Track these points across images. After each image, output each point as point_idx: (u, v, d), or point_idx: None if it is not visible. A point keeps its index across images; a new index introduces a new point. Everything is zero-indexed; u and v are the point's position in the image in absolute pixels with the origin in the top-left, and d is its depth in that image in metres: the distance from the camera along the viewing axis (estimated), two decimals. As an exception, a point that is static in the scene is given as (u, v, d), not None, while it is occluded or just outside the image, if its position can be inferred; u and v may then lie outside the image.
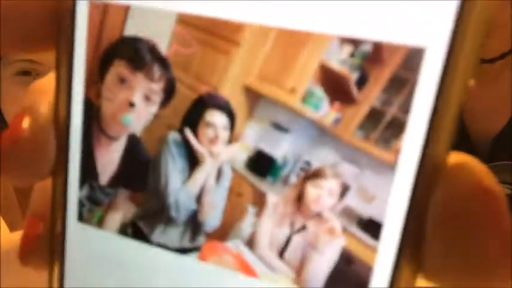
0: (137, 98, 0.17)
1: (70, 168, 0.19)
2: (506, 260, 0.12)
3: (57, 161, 0.19)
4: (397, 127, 0.13)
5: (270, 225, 0.16)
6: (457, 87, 0.13)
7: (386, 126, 0.13)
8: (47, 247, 0.19)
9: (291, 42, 0.14)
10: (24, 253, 0.19)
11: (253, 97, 0.15)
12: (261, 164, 0.16)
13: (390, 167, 0.14)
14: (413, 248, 0.14)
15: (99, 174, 0.18)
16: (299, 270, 0.16)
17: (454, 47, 0.12)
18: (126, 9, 0.17)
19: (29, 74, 1.09)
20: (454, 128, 0.13)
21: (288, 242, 0.16)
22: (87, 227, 0.19)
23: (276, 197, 0.16)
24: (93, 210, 0.19)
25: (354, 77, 0.14)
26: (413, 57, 0.12)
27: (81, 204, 0.19)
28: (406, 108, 0.13)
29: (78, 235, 0.19)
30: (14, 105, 1.09)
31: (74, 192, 0.19)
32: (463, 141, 0.85)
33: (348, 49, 0.13)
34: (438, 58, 0.12)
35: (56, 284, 0.19)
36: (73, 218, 0.19)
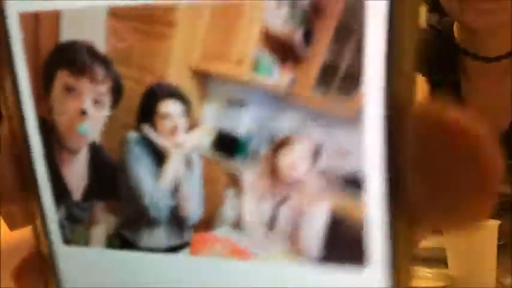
0: (88, 105, 0.16)
1: (41, 191, 0.18)
2: (483, 192, 0.12)
3: (26, 185, 0.18)
4: (353, 77, 0.12)
5: (253, 203, 0.15)
6: (408, 22, 0.12)
7: (342, 79, 0.13)
8: (39, 270, 0.19)
9: (227, 13, 0.13)
10: (17, 275, 0.19)
11: (203, 77, 0.14)
12: (227, 144, 0.15)
13: (356, 119, 0.13)
14: (399, 195, 0.13)
15: (71, 191, 0.18)
16: (293, 240, 0.15)
17: None
18: (57, 14, 0.16)
19: None
20: (414, 66, 0.12)
21: (274, 215, 0.15)
22: (73, 247, 0.18)
23: (250, 174, 0.15)
24: (76, 229, 0.18)
25: (298, 34, 0.13)
26: (355, 3, 0.12)
27: (62, 226, 0.18)
28: (358, 56, 0.12)
29: (67, 257, 0.19)
30: None
31: (52, 215, 0.18)
32: None
33: (285, 8, 0.13)
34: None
35: None
36: (58, 242, 0.19)
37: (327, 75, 0.13)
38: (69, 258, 0.19)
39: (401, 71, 0.12)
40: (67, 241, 0.18)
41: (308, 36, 0.13)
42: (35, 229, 0.19)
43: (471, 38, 0.70)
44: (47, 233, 0.18)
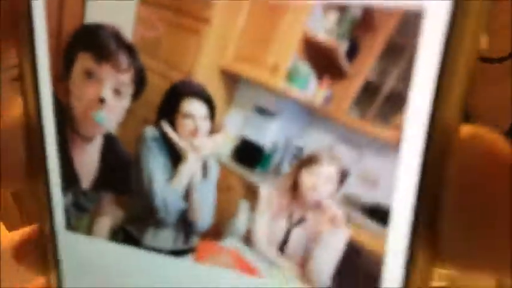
0: (107, 92, 0.15)
1: (50, 174, 0.17)
2: None
3: (35, 167, 0.17)
4: (396, 100, 0.11)
5: (266, 220, 0.14)
6: (466, 48, 0.11)
7: (384, 101, 0.12)
8: (39, 253, 0.18)
9: (268, 13, 0.12)
10: (18, 255, 0.19)
11: (232, 80, 0.13)
12: (248, 154, 0.14)
13: (393, 146, 0.12)
14: (427, 232, 0.12)
15: (80, 179, 0.17)
16: (303, 265, 0.14)
17: (458, 4, 0.10)
18: None
19: None
20: (464, 95, 0.11)
21: (287, 235, 0.14)
22: (76, 234, 0.18)
23: (268, 188, 0.14)
24: (80, 217, 0.17)
25: (343, 47, 0.12)
26: (410, 21, 0.10)
27: (67, 212, 0.17)
28: (405, 78, 0.11)
29: (68, 242, 0.18)
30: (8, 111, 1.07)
31: (58, 199, 0.17)
32: None
33: (333, 16, 0.11)
34: (440, 19, 0.10)
35: None
36: (61, 226, 0.18)
37: (368, 95, 0.12)
38: (71, 245, 0.18)
39: (450, 99, 0.11)
40: (70, 227, 0.17)
41: (353, 50, 0.11)
42: (39, 211, 0.18)
43: None
44: (51, 217, 0.18)
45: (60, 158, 0.17)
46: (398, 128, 0.12)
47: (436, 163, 0.12)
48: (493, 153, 0.11)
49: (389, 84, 0.11)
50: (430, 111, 0.11)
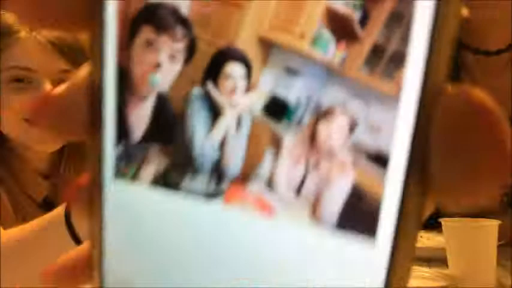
0: (163, 59, 0.19)
1: (105, 128, 0.21)
2: (499, 170, 0.13)
3: (94, 121, 0.20)
4: (398, 60, 0.14)
5: (287, 166, 0.17)
6: (451, 18, 0.14)
7: (388, 60, 0.15)
8: (87, 199, 0.21)
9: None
10: (70, 198, 0.22)
11: (267, 46, 0.17)
12: (277, 109, 0.17)
13: (394, 98, 0.15)
14: (419, 173, 0.15)
15: (132, 132, 0.20)
16: (314, 206, 0.17)
17: None
18: None
19: (22, 81, 1.14)
20: (450, 57, 0.14)
21: (303, 180, 0.17)
22: (122, 182, 0.21)
23: (291, 138, 0.17)
24: (128, 166, 0.21)
25: (357, 16, 0.15)
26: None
27: (118, 160, 0.20)
28: (405, 41, 0.14)
29: (116, 191, 0.21)
30: (7, 111, 1.15)
31: (110, 150, 0.21)
32: None
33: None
34: None
35: (97, 235, 0.21)
36: (111, 176, 0.21)
37: (375, 56, 0.15)
38: (118, 193, 0.21)
39: (439, 58, 0.14)
40: (119, 175, 0.21)
41: (364, 19, 0.15)
42: (91, 162, 0.21)
43: (472, 33, 0.70)
44: (101, 168, 0.21)
45: (116, 113, 0.20)
46: (399, 83, 0.15)
47: (427, 114, 0.14)
48: (472, 97, 0.14)
49: (393, 46, 0.14)
50: (424, 68, 0.14)
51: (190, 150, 0.19)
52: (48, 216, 0.54)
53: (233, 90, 0.18)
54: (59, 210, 0.52)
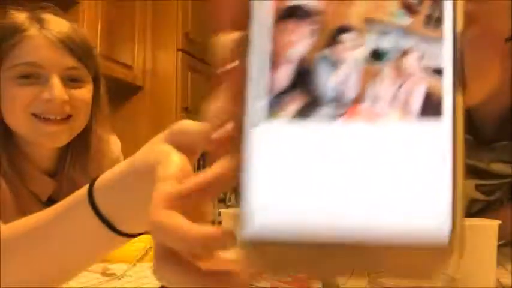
0: (300, 37, 0.32)
1: (253, 85, 0.33)
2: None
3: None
4: (439, 21, 0.30)
5: (386, 86, 0.31)
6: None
7: (435, 21, 0.30)
8: (234, 143, 0.33)
9: (383, -7, 0.31)
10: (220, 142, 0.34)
11: (369, 21, 0.31)
12: (376, 55, 0.31)
13: (440, 40, 0.30)
14: (460, 78, 0.30)
15: (280, 83, 0.33)
16: (405, 106, 0.31)
17: None
18: None
19: (30, 77, 1.18)
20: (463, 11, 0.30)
21: (396, 93, 0.31)
22: (271, 121, 0.33)
23: (386, 70, 0.31)
24: (276, 108, 0.33)
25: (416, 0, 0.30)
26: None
27: (269, 105, 0.33)
28: (441, 13, 0.30)
29: (263, 130, 0.33)
30: (15, 106, 1.16)
31: (262, 97, 0.33)
32: (466, 121, 0.95)
33: (412, -10, 0.30)
34: None
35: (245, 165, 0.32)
36: (260, 117, 0.33)
37: (429, 20, 0.30)
38: (265, 132, 0.33)
39: (459, 19, 0.30)
40: (268, 116, 0.33)
41: (421, 1, 0.30)
42: (245, 107, 0.33)
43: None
44: (251, 112, 0.33)
45: (269, 70, 0.33)
46: (443, 32, 0.30)
47: (458, 45, 0.30)
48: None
49: (436, 14, 0.30)
50: (452, 24, 0.30)
51: (319, 90, 0.32)
52: (71, 197, 0.54)
53: (347, 49, 0.32)
54: (83, 190, 0.53)
